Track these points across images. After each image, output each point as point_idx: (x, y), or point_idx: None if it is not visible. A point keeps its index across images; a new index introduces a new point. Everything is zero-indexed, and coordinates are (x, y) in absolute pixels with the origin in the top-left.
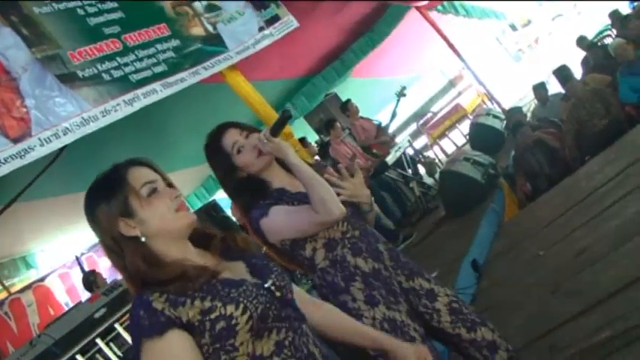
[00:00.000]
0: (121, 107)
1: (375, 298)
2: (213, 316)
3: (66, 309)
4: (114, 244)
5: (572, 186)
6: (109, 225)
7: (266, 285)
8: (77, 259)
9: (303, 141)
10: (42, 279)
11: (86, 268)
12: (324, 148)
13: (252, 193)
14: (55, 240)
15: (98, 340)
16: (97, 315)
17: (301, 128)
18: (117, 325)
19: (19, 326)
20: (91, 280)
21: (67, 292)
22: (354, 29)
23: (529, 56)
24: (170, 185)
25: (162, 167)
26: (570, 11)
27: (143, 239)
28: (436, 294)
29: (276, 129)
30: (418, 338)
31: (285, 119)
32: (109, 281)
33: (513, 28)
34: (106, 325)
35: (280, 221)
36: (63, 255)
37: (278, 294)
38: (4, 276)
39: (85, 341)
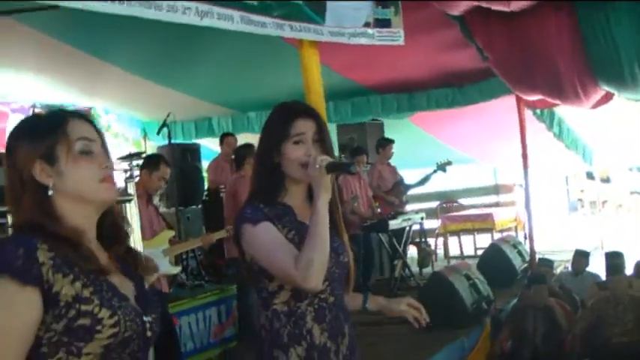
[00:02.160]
0: (190, 12)
1: None
2: (84, 308)
3: None
4: (18, 183)
5: None
6: (23, 162)
7: (145, 318)
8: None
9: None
10: None
11: None
12: None
13: (266, 182)
14: (20, 75)
15: None
16: None
17: None
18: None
19: None
20: None
21: None
22: (445, 75)
23: (585, 213)
24: (106, 152)
25: (187, 89)
26: None
27: (50, 192)
28: None
29: (334, 168)
30: None
31: (346, 171)
32: None
33: (589, 176)
34: None
35: (261, 242)
36: (16, 93)
37: (149, 334)
38: None
39: None
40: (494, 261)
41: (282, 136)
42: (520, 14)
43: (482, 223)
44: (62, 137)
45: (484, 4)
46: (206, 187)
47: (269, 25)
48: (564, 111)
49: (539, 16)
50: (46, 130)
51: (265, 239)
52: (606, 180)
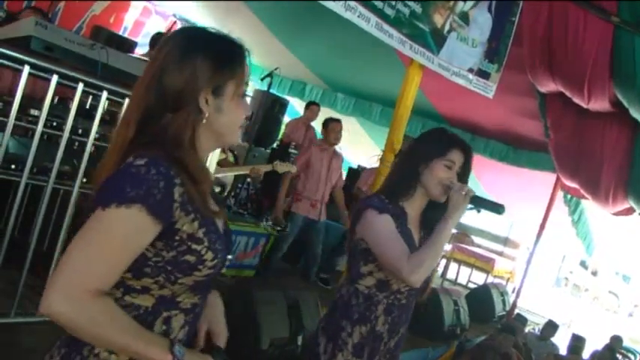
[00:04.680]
0: (339, 2)
1: (362, 352)
2: (194, 246)
3: (122, 32)
4: (177, 97)
5: None
6: (194, 82)
7: (228, 256)
8: (176, 19)
9: None
10: None
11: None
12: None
13: (401, 183)
14: None
15: (127, 100)
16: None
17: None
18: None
19: None
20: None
21: (134, 24)
22: (509, 133)
23: (566, 292)
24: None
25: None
26: (626, 305)
27: (204, 121)
28: None
29: (480, 203)
30: None
31: (494, 209)
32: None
33: (582, 264)
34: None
35: (380, 230)
36: None
37: (224, 270)
38: None
39: (117, 89)
40: (480, 298)
41: (438, 155)
42: (591, 114)
43: (483, 264)
44: (238, 75)
45: (567, 94)
46: (279, 137)
47: (394, 38)
48: (589, 205)
49: (605, 121)
50: (228, 61)
51: (385, 229)
52: (594, 273)
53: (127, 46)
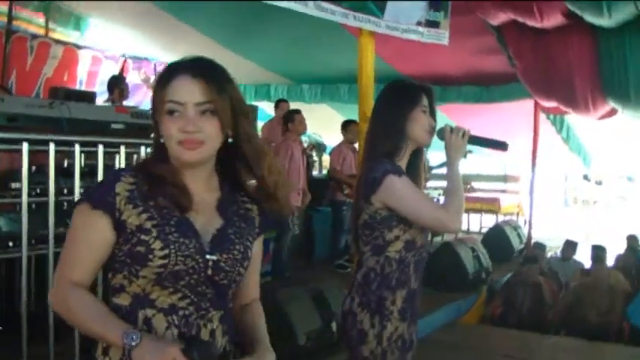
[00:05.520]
0: None
1: (407, 314)
2: (142, 237)
3: (78, 86)
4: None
5: (535, 343)
6: (153, 109)
7: (207, 256)
8: (127, 59)
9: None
10: (79, 46)
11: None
12: None
13: (392, 143)
14: (115, 28)
15: (100, 147)
16: (113, 126)
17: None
18: (122, 148)
19: (34, 64)
20: (116, 85)
21: (88, 75)
22: (476, 75)
23: (576, 210)
24: (204, 113)
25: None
26: (637, 204)
27: (162, 140)
28: (412, 348)
29: (479, 141)
30: None
31: (497, 146)
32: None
33: (585, 178)
34: (110, 140)
35: (408, 193)
36: (109, 43)
37: (210, 272)
38: (52, 18)
39: (88, 139)
40: (496, 239)
41: (414, 104)
42: (549, 32)
43: (490, 206)
44: (161, 94)
45: (520, 19)
46: None
47: (337, 14)
48: (573, 119)
49: (564, 35)
50: (157, 83)
51: (411, 190)
52: (599, 183)
53: (87, 98)
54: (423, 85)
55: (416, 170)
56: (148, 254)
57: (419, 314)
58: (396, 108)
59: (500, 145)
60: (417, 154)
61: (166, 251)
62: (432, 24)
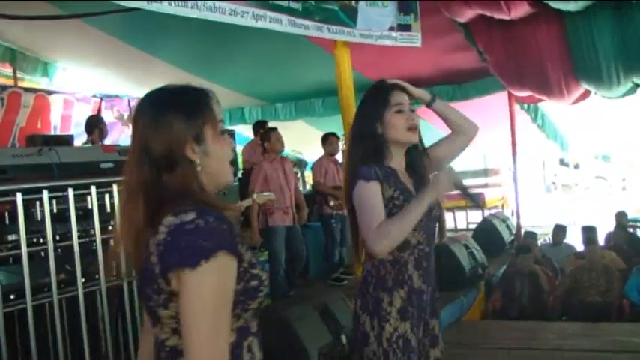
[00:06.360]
0: (247, 16)
1: (408, 314)
2: (254, 271)
3: (53, 132)
4: (168, 158)
5: (539, 332)
6: (177, 139)
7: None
8: (102, 98)
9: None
10: (49, 92)
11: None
12: None
13: (371, 149)
14: (83, 69)
15: (93, 188)
16: (102, 165)
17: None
18: (114, 187)
19: (6, 115)
20: (95, 125)
21: (61, 119)
22: (447, 74)
23: (557, 195)
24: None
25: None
26: (616, 182)
27: (199, 169)
28: (437, 343)
29: (461, 190)
30: None
31: (473, 200)
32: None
33: (562, 162)
34: (102, 180)
35: (364, 198)
36: (80, 84)
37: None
38: (19, 66)
39: (80, 182)
40: (486, 233)
41: (384, 106)
42: (516, 23)
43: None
44: (210, 118)
45: (487, 13)
46: (240, 167)
47: (311, 28)
48: (547, 106)
49: (532, 24)
50: (197, 109)
51: (367, 198)
52: (576, 167)
53: (65, 142)
54: (393, 82)
55: (417, 169)
56: (259, 286)
57: (437, 311)
58: (367, 113)
59: (477, 200)
60: (413, 153)
61: (266, 278)
62: (404, 27)
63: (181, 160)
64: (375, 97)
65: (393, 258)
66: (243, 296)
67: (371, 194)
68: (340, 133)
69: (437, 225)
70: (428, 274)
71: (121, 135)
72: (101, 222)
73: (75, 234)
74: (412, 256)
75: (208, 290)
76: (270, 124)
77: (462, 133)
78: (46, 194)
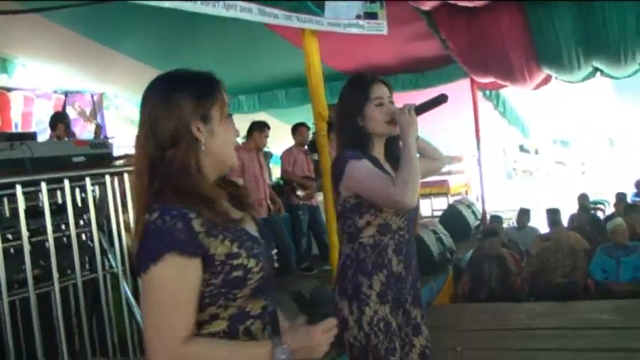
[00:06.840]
0: (218, 5)
1: (387, 297)
2: (235, 262)
3: (14, 129)
4: (173, 136)
5: (508, 312)
6: (183, 116)
7: (272, 252)
8: (66, 95)
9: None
10: (9, 89)
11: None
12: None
13: (356, 142)
14: (43, 65)
15: (66, 182)
16: (75, 159)
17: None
18: (88, 180)
19: None
20: (60, 120)
21: (22, 116)
22: (410, 62)
23: (519, 181)
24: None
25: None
26: (575, 167)
27: (203, 148)
28: (420, 332)
29: (424, 108)
30: (398, 351)
31: (438, 102)
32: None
33: (522, 148)
34: (76, 173)
35: (363, 174)
36: (40, 81)
37: (276, 264)
38: None
39: (53, 176)
40: (452, 219)
41: (363, 100)
42: (479, 11)
43: (439, 188)
44: (219, 100)
45: (450, 2)
46: None
47: (280, 17)
48: (508, 92)
49: (495, 13)
50: (206, 89)
51: (368, 171)
52: (537, 152)
53: (29, 139)
54: (372, 75)
55: (396, 158)
56: (246, 275)
57: (419, 300)
58: (348, 107)
59: (441, 99)
60: (393, 143)
61: (260, 265)
62: (371, 15)
63: (186, 137)
64: (356, 92)
65: (374, 242)
66: (225, 288)
67: (367, 166)
68: (310, 122)
69: (417, 214)
70: (408, 260)
71: (83, 131)
72: (74, 216)
73: (50, 229)
74: (392, 240)
75: (153, 292)
76: (235, 117)
77: (439, 160)
78: (19, 188)
